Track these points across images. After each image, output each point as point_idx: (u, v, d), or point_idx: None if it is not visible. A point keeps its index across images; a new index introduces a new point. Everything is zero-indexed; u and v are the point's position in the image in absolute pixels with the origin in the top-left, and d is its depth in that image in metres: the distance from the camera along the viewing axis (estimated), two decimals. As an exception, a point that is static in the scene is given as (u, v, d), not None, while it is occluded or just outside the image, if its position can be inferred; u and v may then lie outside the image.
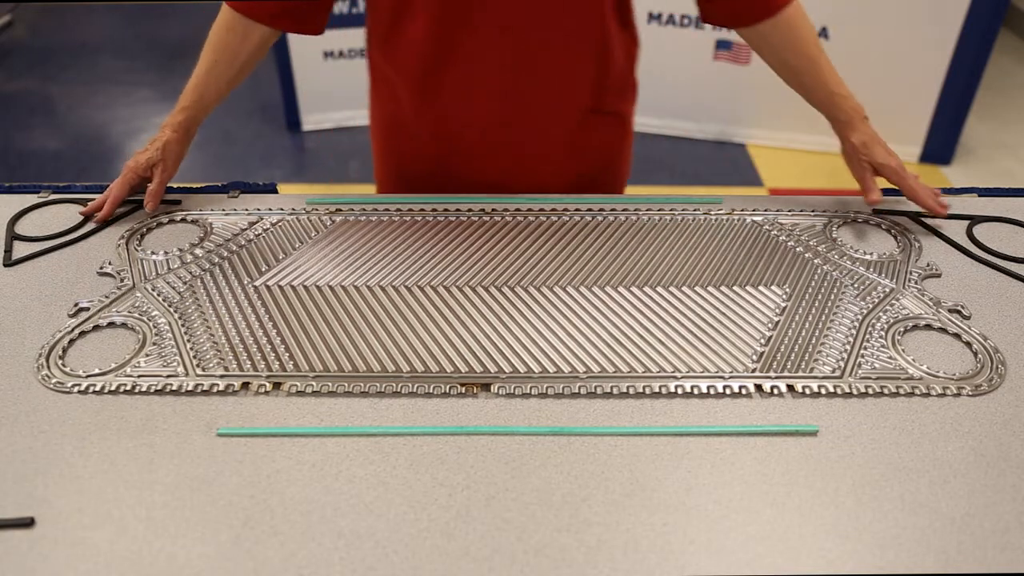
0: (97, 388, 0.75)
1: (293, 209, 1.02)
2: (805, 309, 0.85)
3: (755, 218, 1.01)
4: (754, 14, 1.01)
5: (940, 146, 2.83)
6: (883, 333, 0.82)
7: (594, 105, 1.09)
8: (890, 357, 0.79)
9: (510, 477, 0.67)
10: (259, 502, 0.64)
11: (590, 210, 1.02)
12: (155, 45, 3.86)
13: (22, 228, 0.99)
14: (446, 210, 1.02)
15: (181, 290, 0.88)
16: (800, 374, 0.77)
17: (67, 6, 4.33)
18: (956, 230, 0.99)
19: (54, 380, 0.76)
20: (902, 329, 0.83)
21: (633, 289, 0.88)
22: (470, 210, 1.02)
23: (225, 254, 0.94)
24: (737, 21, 1.03)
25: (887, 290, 0.89)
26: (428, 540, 0.62)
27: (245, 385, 0.76)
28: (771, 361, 0.78)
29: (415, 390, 0.75)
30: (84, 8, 4.30)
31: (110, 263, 0.92)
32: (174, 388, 0.75)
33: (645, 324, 0.83)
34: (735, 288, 0.89)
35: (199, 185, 1.07)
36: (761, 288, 0.89)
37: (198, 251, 0.94)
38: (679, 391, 0.75)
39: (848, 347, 0.80)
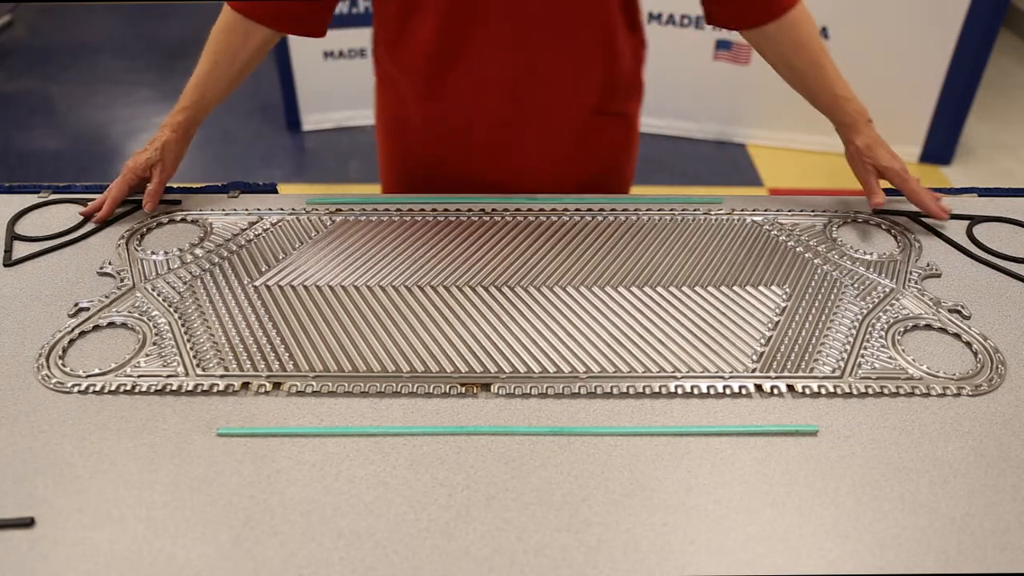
0: (97, 388, 0.75)
1: (293, 209, 1.02)
2: (805, 309, 0.86)
3: (755, 218, 1.01)
4: (759, 16, 1.01)
5: (940, 146, 2.83)
6: (883, 333, 0.82)
7: (601, 106, 1.09)
8: (890, 357, 0.79)
9: (510, 477, 0.67)
10: (259, 502, 0.64)
11: (590, 210, 1.02)
12: (155, 45, 3.86)
13: (22, 228, 0.99)
14: (446, 210, 1.02)
15: (181, 290, 0.88)
16: (800, 374, 0.77)
17: (67, 6, 4.33)
18: (956, 230, 0.99)
19: (54, 380, 0.76)
20: (902, 329, 0.83)
21: (633, 289, 0.88)
22: (470, 210, 1.02)
23: (225, 254, 0.94)
24: (742, 23, 1.03)
25: (887, 290, 0.89)
26: (428, 540, 0.62)
27: (245, 385, 0.76)
28: (771, 361, 0.78)
29: (415, 390, 0.75)
30: (84, 8, 4.31)
31: (110, 263, 0.92)
32: (174, 388, 0.75)
33: (645, 324, 0.83)
34: (735, 288, 0.89)
35: (199, 185, 1.07)
36: (761, 288, 0.89)
37: (198, 251, 0.94)
38: (679, 391, 0.75)
39: (848, 347, 0.80)
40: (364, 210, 1.02)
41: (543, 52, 1.01)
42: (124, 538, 0.61)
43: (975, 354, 0.80)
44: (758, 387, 0.76)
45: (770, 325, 0.83)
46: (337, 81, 2.97)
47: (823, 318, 0.84)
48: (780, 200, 1.05)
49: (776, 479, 0.66)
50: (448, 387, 0.75)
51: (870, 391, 0.75)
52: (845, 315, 0.85)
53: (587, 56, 1.03)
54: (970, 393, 0.75)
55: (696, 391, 0.75)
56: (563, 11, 0.99)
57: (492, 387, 0.75)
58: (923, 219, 1.01)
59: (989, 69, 2.66)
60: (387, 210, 1.02)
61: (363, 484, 0.66)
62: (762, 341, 0.81)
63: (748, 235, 0.98)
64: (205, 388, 0.75)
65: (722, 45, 2.83)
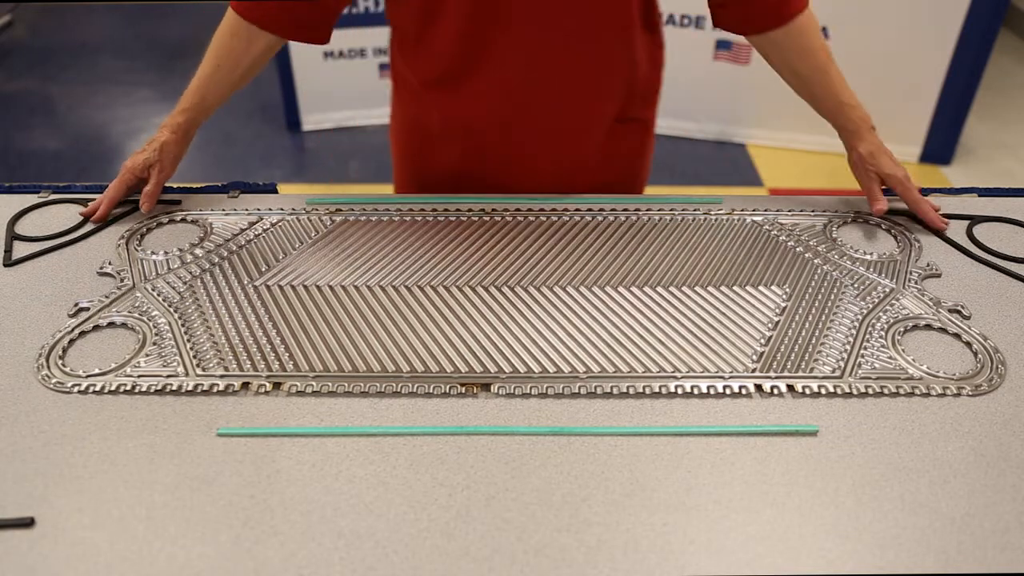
0: (97, 388, 0.75)
1: (293, 209, 1.02)
2: (805, 309, 0.86)
3: (755, 218, 1.01)
4: (767, 21, 1.00)
5: (940, 146, 2.83)
6: (883, 333, 0.82)
7: (622, 112, 1.09)
8: (890, 357, 0.79)
9: (510, 477, 0.67)
10: (259, 502, 0.64)
11: (590, 210, 1.02)
12: (155, 45, 3.86)
13: (22, 228, 0.99)
14: (446, 210, 1.02)
15: (181, 290, 0.88)
16: (800, 374, 0.77)
17: (67, 6, 4.33)
18: (956, 230, 0.99)
19: (54, 380, 0.76)
20: (902, 329, 0.83)
21: (633, 289, 0.88)
22: (470, 210, 1.02)
23: (225, 254, 0.94)
24: (749, 28, 1.02)
25: (887, 290, 0.89)
26: (428, 540, 0.62)
27: (245, 385, 0.76)
28: (771, 361, 0.78)
29: (415, 390, 0.75)
30: (84, 8, 4.30)
31: (110, 263, 0.92)
32: (174, 388, 0.75)
33: (645, 324, 0.83)
34: (735, 288, 0.89)
35: (199, 185, 1.07)
36: (761, 288, 0.89)
37: (198, 251, 0.94)
38: (679, 391, 0.75)
39: (848, 347, 0.80)
40: (364, 210, 1.02)
41: (564, 58, 1.00)
42: (124, 538, 0.61)
43: (975, 354, 0.80)
44: (758, 387, 0.76)
45: (770, 325, 0.83)
46: (337, 81, 2.97)
47: (823, 318, 0.84)
48: (780, 200, 1.05)
49: (776, 479, 0.66)
50: (448, 387, 0.75)
51: (870, 391, 0.75)
52: (845, 315, 0.85)
53: (608, 62, 1.03)
54: (970, 393, 0.75)
55: (696, 391, 0.75)
56: (583, 17, 0.98)
57: (492, 387, 0.75)
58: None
59: (989, 69, 2.66)
60: (387, 210, 1.02)
61: (363, 484, 0.66)
62: (762, 341, 0.81)
63: (748, 235, 0.98)
64: (205, 388, 0.75)
65: (722, 45, 2.83)
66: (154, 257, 0.93)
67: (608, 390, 0.75)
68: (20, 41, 3.93)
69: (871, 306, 0.86)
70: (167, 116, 1.02)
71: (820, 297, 0.87)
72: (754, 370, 0.77)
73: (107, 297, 0.86)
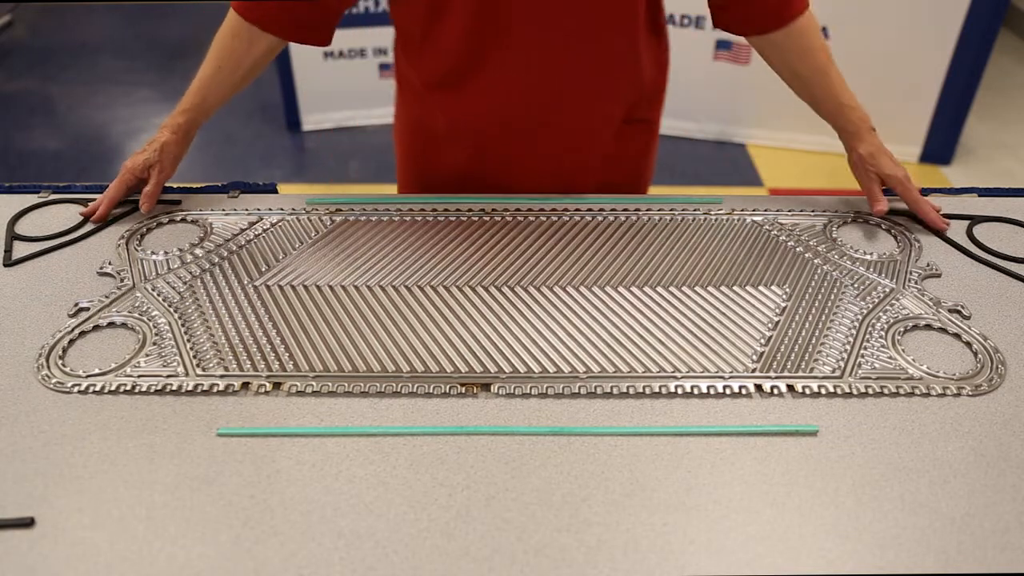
0: (97, 388, 0.75)
1: (293, 209, 1.02)
2: (805, 309, 0.86)
3: (755, 218, 1.01)
4: (767, 22, 1.00)
5: (940, 146, 2.83)
6: (883, 333, 0.82)
7: (628, 115, 1.09)
8: (890, 357, 0.79)
9: (510, 477, 0.67)
10: (259, 502, 0.64)
11: (590, 210, 1.02)
12: (155, 45, 3.86)
13: (22, 228, 0.99)
14: (446, 210, 1.02)
15: (181, 290, 0.88)
16: (800, 374, 0.77)
17: (67, 6, 4.33)
18: (956, 230, 0.99)
19: (54, 380, 0.76)
20: (902, 329, 0.83)
21: (633, 289, 0.88)
22: (470, 210, 1.02)
23: (225, 254, 0.94)
24: (750, 29, 1.02)
25: (887, 290, 0.89)
26: (428, 540, 0.62)
27: (245, 385, 0.76)
28: (771, 361, 0.78)
29: (415, 390, 0.75)
30: (84, 8, 4.30)
31: (110, 263, 0.92)
32: (174, 388, 0.75)
33: (645, 324, 0.83)
34: (735, 288, 0.89)
35: (199, 185, 1.07)
36: (761, 288, 0.89)
37: (198, 251, 0.94)
38: (679, 391, 0.75)
39: (848, 347, 0.80)
40: (364, 210, 1.02)
41: (569, 60, 1.00)
42: (124, 538, 0.61)
43: (975, 354, 0.80)
44: (758, 387, 0.76)
45: (770, 325, 0.83)
46: (337, 81, 2.97)
47: (823, 318, 0.84)
48: (780, 200, 1.05)
49: (776, 479, 0.66)
50: (448, 387, 0.75)
51: (870, 391, 0.75)
52: (845, 315, 0.85)
53: (613, 63, 1.02)
54: (970, 393, 0.75)
55: (696, 391, 0.75)
56: (588, 18, 0.98)
57: (492, 387, 0.75)
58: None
59: (989, 69, 2.66)
60: (387, 210, 1.02)
61: (363, 484, 0.66)
62: (762, 341, 0.81)
63: (748, 235, 0.98)
64: (205, 388, 0.75)
65: (722, 45, 2.83)
66: (154, 257, 0.93)
67: (608, 390, 0.75)
68: (20, 41, 3.93)
69: (871, 306, 0.86)
70: (167, 116, 1.02)
71: (820, 297, 0.87)
72: (754, 370, 0.77)
73: (107, 297, 0.86)
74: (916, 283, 0.90)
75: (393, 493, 0.65)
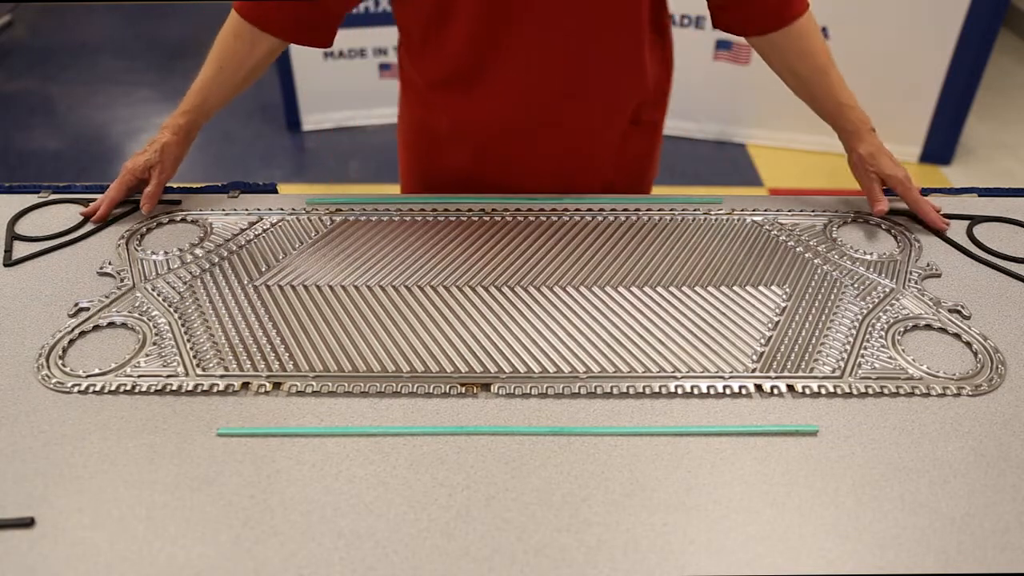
0: (97, 388, 0.75)
1: (293, 209, 1.02)
2: (805, 309, 0.86)
3: (755, 218, 1.01)
4: (767, 23, 1.00)
5: (940, 146, 2.83)
6: (883, 333, 0.82)
7: (634, 116, 1.09)
8: (890, 357, 0.79)
9: (510, 477, 0.67)
10: (259, 502, 0.64)
11: (590, 210, 1.02)
12: (155, 45, 3.86)
13: (22, 228, 0.99)
14: (446, 210, 1.02)
15: (181, 290, 0.88)
16: (800, 374, 0.77)
17: (67, 6, 4.33)
18: (956, 230, 0.99)
19: (54, 380, 0.76)
20: (902, 329, 0.83)
21: (633, 289, 0.88)
22: (470, 210, 1.02)
23: (225, 254, 0.94)
24: (749, 29, 1.02)
25: (887, 290, 0.89)
26: (428, 540, 0.62)
27: (245, 385, 0.76)
28: (771, 361, 0.78)
29: (415, 390, 0.75)
30: (84, 8, 4.30)
31: (110, 263, 0.92)
32: (174, 388, 0.75)
33: (645, 324, 0.83)
34: (735, 288, 0.89)
35: (199, 185, 1.07)
36: (761, 288, 0.89)
37: (198, 251, 0.94)
38: (679, 391, 0.75)
39: (848, 347, 0.80)
40: (364, 210, 1.02)
41: (574, 61, 1.00)
42: (124, 538, 0.61)
43: (975, 354, 0.80)
44: (758, 387, 0.76)
45: (770, 325, 0.83)
46: (337, 81, 2.97)
47: (823, 318, 0.84)
48: (780, 200, 1.05)
49: (776, 479, 0.66)
50: (448, 387, 0.75)
51: (870, 391, 0.75)
52: (845, 315, 0.85)
53: (618, 64, 1.02)
54: (970, 393, 0.75)
55: (696, 391, 0.75)
56: (593, 19, 0.98)
57: (492, 387, 0.75)
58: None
59: (989, 69, 2.66)
60: (387, 210, 1.02)
61: (363, 484, 0.66)
62: (762, 341, 0.81)
63: (748, 235, 0.98)
64: (205, 388, 0.75)
65: (722, 45, 2.83)
66: (154, 257, 0.93)
67: (608, 390, 0.75)
68: (20, 41, 3.93)
69: (871, 306, 0.86)
70: (167, 116, 1.02)
71: (820, 297, 0.87)
72: (754, 370, 0.77)
73: (107, 297, 0.86)
74: (916, 283, 0.90)
75: (393, 493, 0.65)
